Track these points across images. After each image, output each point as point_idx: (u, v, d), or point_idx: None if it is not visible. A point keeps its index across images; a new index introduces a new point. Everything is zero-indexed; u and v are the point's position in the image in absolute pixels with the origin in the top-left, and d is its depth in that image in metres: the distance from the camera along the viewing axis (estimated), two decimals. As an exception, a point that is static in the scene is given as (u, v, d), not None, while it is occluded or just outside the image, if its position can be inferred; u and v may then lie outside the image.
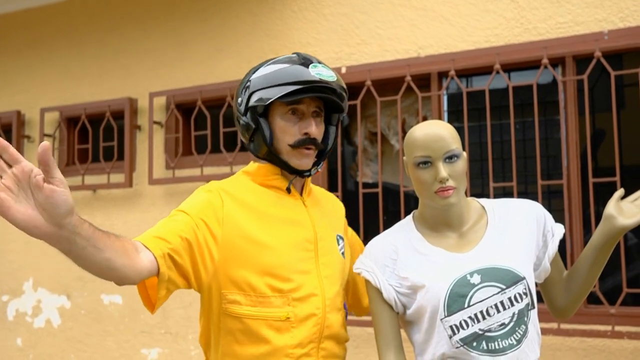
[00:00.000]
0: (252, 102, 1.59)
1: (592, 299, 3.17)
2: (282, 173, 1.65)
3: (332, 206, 1.83)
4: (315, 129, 1.60)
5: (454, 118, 3.60)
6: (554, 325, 3.05)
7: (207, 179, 3.99)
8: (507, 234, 1.55)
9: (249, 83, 1.62)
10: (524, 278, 1.48)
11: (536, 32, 3.27)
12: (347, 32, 3.74)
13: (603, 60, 3.05)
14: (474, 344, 1.45)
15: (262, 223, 1.56)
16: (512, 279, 1.47)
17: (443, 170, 1.48)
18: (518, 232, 1.56)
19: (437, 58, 3.44)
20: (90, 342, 4.37)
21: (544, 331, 3.05)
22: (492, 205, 1.62)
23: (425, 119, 3.64)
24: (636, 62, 3.10)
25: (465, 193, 1.68)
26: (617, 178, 3.00)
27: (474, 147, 3.52)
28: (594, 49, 3.08)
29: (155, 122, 4.23)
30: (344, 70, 3.66)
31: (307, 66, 1.58)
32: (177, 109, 4.20)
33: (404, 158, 1.58)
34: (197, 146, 4.22)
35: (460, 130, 3.52)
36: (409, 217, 1.65)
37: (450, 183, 1.48)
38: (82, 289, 4.42)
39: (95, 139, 4.55)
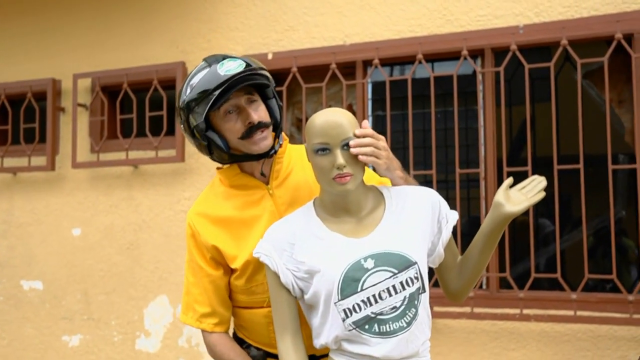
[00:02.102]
0: (192, 124, 1.68)
1: (504, 284, 3.29)
2: (243, 169, 1.75)
3: (308, 169, 1.83)
4: (255, 114, 1.65)
5: (378, 106, 3.65)
6: (467, 309, 3.16)
7: (132, 163, 3.93)
8: (402, 220, 1.59)
9: (182, 110, 1.69)
10: (415, 263, 1.52)
11: (457, 24, 3.35)
12: (275, 18, 3.73)
13: (518, 54, 3.15)
14: (366, 326, 1.49)
15: (232, 232, 1.73)
16: (404, 263, 1.51)
17: (340, 157, 1.50)
18: (413, 218, 1.60)
19: (362, 46, 3.48)
20: (8, 329, 4.26)
21: (458, 315, 3.15)
22: (390, 192, 1.66)
23: (350, 106, 3.68)
24: (553, 56, 3.21)
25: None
26: (529, 168, 3.11)
27: (396, 135, 3.59)
28: (510, 42, 3.18)
29: (80, 105, 4.14)
30: (270, 57, 3.66)
31: (215, 68, 1.64)
32: (102, 92, 4.12)
33: (305, 145, 1.60)
34: (122, 130, 4.14)
35: (383, 119, 3.58)
36: (310, 203, 1.67)
37: (347, 170, 1.51)
38: None
39: (15, 120, 4.41)
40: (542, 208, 3.89)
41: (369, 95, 3.56)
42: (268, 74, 1.72)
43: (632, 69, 3.02)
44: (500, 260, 3.29)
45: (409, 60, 3.46)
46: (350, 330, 1.50)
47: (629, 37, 3.07)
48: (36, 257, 4.22)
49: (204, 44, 3.89)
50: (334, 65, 3.47)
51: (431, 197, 1.65)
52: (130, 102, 4.05)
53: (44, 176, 4.26)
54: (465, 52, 3.23)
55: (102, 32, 4.18)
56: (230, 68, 1.62)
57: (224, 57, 1.67)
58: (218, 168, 1.81)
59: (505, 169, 3.16)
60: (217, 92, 1.60)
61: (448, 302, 3.14)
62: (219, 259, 1.74)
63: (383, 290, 1.49)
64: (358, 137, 1.53)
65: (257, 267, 1.69)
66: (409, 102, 3.35)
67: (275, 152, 1.73)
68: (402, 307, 1.50)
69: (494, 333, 3.18)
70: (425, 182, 3.48)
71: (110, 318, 4.00)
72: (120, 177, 4.05)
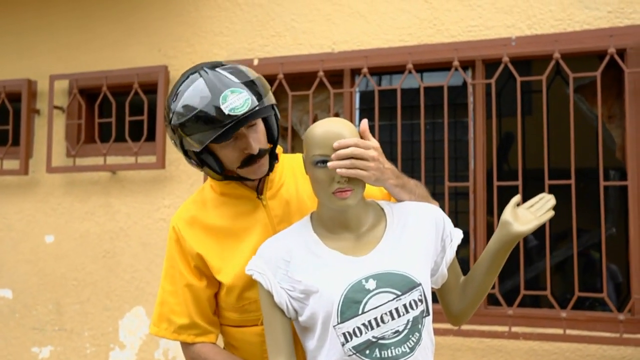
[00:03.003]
0: (187, 147, 1.57)
1: (492, 301, 3.23)
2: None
3: (300, 179, 1.74)
4: (254, 143, 1.53)
5: (366, 116, 3.58)
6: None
7: (110, 168, 3.80)
8: (405, 238, 1.51)
9: (174, 127, 1.55)
10: (419, 284, 1.44)
11: (448, 34, 3.29)
12: (262, 24, 3.64)
13: (510, 66, 3.10)
14: (367, 351, 1.40)
15: (220, 243, 1.63)
16: (408, 285, 1.42)
17: (341, 170, 1.41)
18: (416, 237, 1.52)
19: (351, 54, 3.41)
20: (-24, 340, 4.08)
21: (445, 332, 3.08)
22: (392, 208, 1.57)
23: (337, 115, 3.60)
24: (545, 69, 3.16)
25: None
26: (520, 182, 3.06)
27: (384, 146, 3.48)
28: (502, 54, 3.13)
29: (56, 107, 4.00)
30: (256, 62, 3.57)
31: (218, 100, 1.48)
32: (80, 94, 3.98)
33: (303, 156, 1.51)
34: (100, 134, 4.02)
35: (371, 129, 3.51)
36: (307, 217, 1.58)
37: (348, 184, 1.43)
38: (-32, 283, 4.12)
39: (-13, 122, 4.26)
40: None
41: (357, 105, 3.49)
42: (272, 99, 1.58)
43: (625, 84, 2.98)
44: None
45: (398, 69, 3.39)
46: (349, 355, 1.40)
47: (621, 52, 3.04)
48: (6, 264, 4.05)
49: (187, 49, 3.78)
50: (321, 73, 3.39)
51: (435, 214, 1.57)
52: (109, 106, 3.93)
53: (16, 180, 4.10)
54: (456, 63, 3.17)
55: (81, 32, 4.04)
56: (236, 106, 1.48)
57: (225, 86, 1.50)
58: None
59: (495, 183, 3.11)
60: (221, 131, 1.47)
61: (435, 318, 3.05)
62: (203, 269, 1.62)
63: (385, 313, 1.40)
64: (336, 149, 1.41)
65: (247, 283, 1.58)
66: (397, 113, 3.29)
67: (272, 171, 1.64)
68: (405, 331, 1.42)
69: (481, 351, 3.11)
70: (412, 194, 3.41)
71: (84, 329, 3.85)
72: (97, 183, 3.91)
